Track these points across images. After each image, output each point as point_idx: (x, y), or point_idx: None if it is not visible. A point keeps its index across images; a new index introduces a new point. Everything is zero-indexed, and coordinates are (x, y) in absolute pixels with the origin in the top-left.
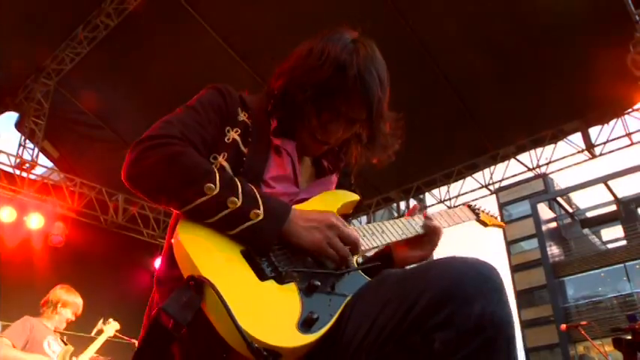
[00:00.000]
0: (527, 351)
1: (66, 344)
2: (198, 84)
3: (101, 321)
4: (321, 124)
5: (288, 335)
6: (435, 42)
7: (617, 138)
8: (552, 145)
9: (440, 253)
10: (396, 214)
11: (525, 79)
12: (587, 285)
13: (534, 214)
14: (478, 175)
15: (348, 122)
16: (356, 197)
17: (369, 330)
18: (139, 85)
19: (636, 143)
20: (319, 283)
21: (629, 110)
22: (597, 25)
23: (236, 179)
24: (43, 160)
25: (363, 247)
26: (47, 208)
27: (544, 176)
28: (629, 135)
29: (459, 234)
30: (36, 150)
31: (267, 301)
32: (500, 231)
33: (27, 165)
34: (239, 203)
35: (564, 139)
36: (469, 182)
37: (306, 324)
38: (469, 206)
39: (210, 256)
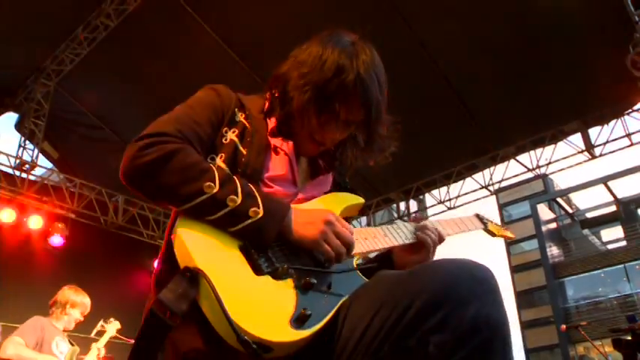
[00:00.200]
0: (527, 352)
1: (72, 345)
2: (197, 84)
3: (101, 322)
4: (319, 125)
5: (279, 330)
6: (434, 42)
7: (617, 139)
8: (552, 146)
9: (440, 252)
10: (395, 215)
11: (525, 80)
12: (587, 286)
13: (534, 214)
14: (478, 175)
15: (345, 124)
16: (360, 200)
17: (364, 332)
18: (139, 86)
19: (636, 144)
20: (315, 281)
21: (629, 111)
22: (597, 25)
23: (234, 177)
24: (42, 161)
25: (363, 250)
26: (47, 209)
27: (544, 177)
28: (628, 135)
29: (458, 234)
30: (36, 151)
31: (261, 295)
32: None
33: (27, 166)
34: (238, 201)
35: (564, 140)
36: (469, 183)
37: (300, 320)
38: (477, 215)
39: (208, 249)
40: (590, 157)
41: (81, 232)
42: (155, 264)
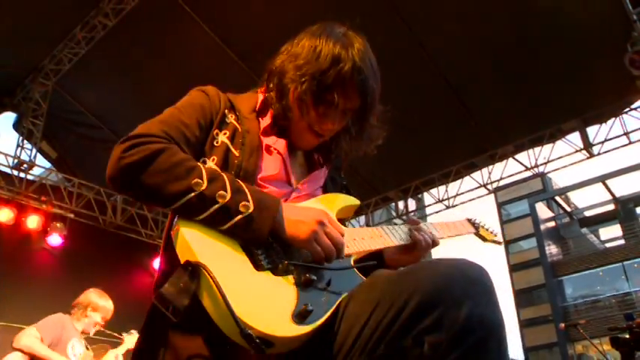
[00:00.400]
0: (526, 350)
1: (88, 349)
2: (195, 84)
3: (124, 333)
4: (318, 115)
5: (282, 324)
6: (433, 41)
7: (616, 137)
8: (550, 145)
9: (439, 251)
10: (394, 214)
11: (523, 79)
12: (586, 284)
13: (533, 213)
14: (476, 174)
15: (343, 113)
16: (356, 202)
17: (361, 331)
18: (138, 86)
19: (634, 142)
20: (315, 278)
21: (627, 109)
22: (595, 24)
23: (222, 174)
24: (41, 160)
25: (358, 249)
26: (45, 209)
27: (542, 175)
28: (627, 134)
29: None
30: (34, 150)
31: (262, 290)
32: (498, 230)
33: (25, 165)
34: (228, 197)
35: (562, 139)
36: (467, 182)
37: (301, 315)
38: (469, 220)
39: (209, 244)
40: (588, 155)
41: (79, 231)
42: (154, 264)
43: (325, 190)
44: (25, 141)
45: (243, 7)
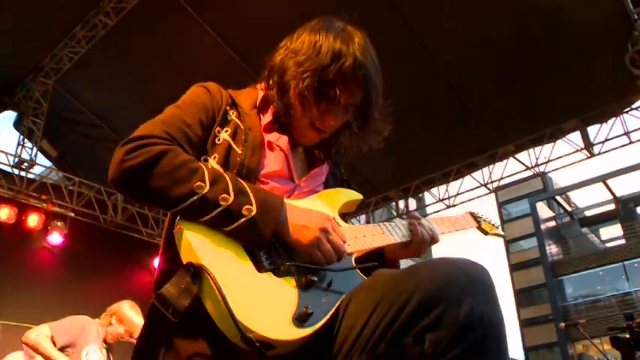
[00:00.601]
0: (526, 350)
1: (110, 358)
2: (196, 83)
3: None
4: (320, 111)
5: (282, 328)
6: (433, 41)
7: (616, 137)
8: (551, 144)
9: (439, 250)
10: (394, 214)
11: (524, 78)
12: (586, 284)
13: (533, 212)
14: (477, 174)
15: (345, 109)
16: (359, 196)
17: (362, 330)
18: (138, 85)
19: (635, 142)
20: (316, 279)
21: (628, 109)
22: (596, 23)
23: (225, 175)
24: (41, 159)
25: (360, 247)
26: (46, 208)
27: (543, 175)
28: (627, 134)
29: (458, 233)
30: (35, 149)
31: (263, 292)
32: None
33: (26, 164)
34: (231, 199)
35: (563, 138)
36: (468, 181)
37: (301, 318)
38: (471, 214)
39: (211, 245)
40: (589, 155)
41: (80, 230)
42: (154, 263)
43: (327, 186)
44: (26, 140)
45: (243, 7)
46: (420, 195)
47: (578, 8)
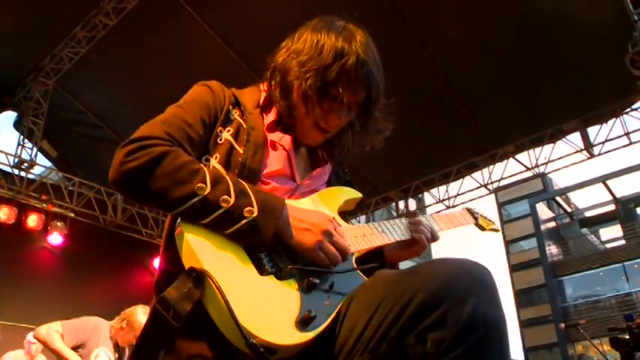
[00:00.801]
0: (526, 350)
1: None
2: (196, 83)
3: None
4: (323, 111)
5: (285, 333)
6: (434, 41)
7: (616, 137)
8: (551, 145)
9: (439, 251)
10: (394, 214)
11: (524, 79)
12: (586, 284)
13: (533, 213)
14: (477, 174)
15: (348, 108)
16: (358, 195)
17: (363, 330)
18: (138, 85)
19: (635, 143)
20: (318, 281)
21: (628, 110)
22: (596, 24)
23: (226, 176)
24: (41, 159)
25: (360, 247)
26: (46, 208)
27: (543, 176)
28: (627, 134)
29: (457, 233)
30: (35, 149)
31: (266, 296)
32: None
33: (26, 164)
34: (232, 201)
35: (563, 139)
36: (468, 182)
37: (304, 322)
38: (468, 210)
39: (213, 249)
40: (589, 156)
41: (80, 230)
42: (154, 263)
43: (329, 186)
44: (26, 140)
45: (243, 7)
46: (420, 195)
47: (579, 9)
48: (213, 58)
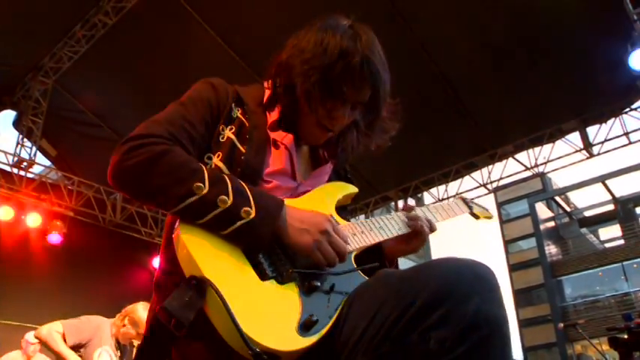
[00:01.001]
0: (525, 350)
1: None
2: (196, 82)
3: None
4: (327, 110)
5: (287, 338)
6: (433, 41)
7: (615, 137)
8: (550, 145)
9: (438, 251)
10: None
11: (523, 79)
12: (585, 284)
13: (532, 213)
14: (476, 174)
15: (352, 107)
16: (354, 189)
17: (366, 330)
18: (138, 84)
19: (634, 142)
20: (319, 284)
21: (627, 109)
22: (595, 24)
23: (225, 176)
24: (41, 158)
25: (358, 245)
26: (45, 207)
27: (542, 175)
28: (627, 134)
29: (457, 233)
30: (34, 148)
31: (267, 302)
32: (498, 229)
33: (25, 164)
34: (229, 202)
35: (562, 139)
36: (467, 181)
37: (306, 326)
38: (463, 199)
39: (213, 255)
40: (588, 155)
41: (79, 230)
42: (154, 262)
43: None
44: (25, 139)
45: (243, 6)
46: (420, 195)
47: (578, 9)
48: (212, 58)
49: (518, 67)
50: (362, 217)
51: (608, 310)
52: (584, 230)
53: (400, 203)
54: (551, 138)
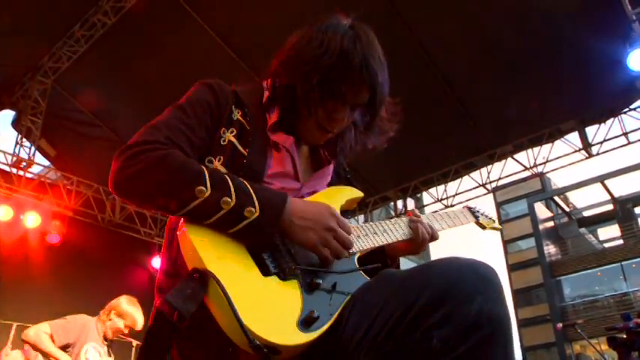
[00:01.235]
0: (524, 350)
1: (110, 355)
2: (195, 82)
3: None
4: (326, 111)
5: (288, 333)
6: (432, 41)
7: (614, 137)
8: (549, 145)
9: (438, 251)
10: (393, 213)
11: (523, 79)
12: (584, 284)
13: (531, 213)
14: (475, 174)
15: (351, 109)
16: (359, 194)
17: (369, 329)
18: (137, 84)
19: (633, 142)
20: (321, 282)
21: (626, 110)
22: (594, 24)
23: (226, 176)
24: (39, 158)
25: (362, 247)
26: (44, 207)
27: (541, 175)
28: (625, 134)
29: (456, 233)
30: (33, 148)
31: (269, 297)
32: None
33: (24, 163)
34: (232, 203)
35: (561, 139)
36: (466, 181)
37: (306, 322)
38: (469, 208)
39: (216, 250)
40: (587, 155)
41: (78, 229)
42: (153, 262)
43: (331, 185)
44: (24, 139)
45: (243, 7)
46: (419, 195)
47: (577, 10)
48: (212, 58)
49: (517, 67)
50: (361, 217)
51: (607, 310)
52: (583, 230)
53: (400, 203)
54: (550, 138)
